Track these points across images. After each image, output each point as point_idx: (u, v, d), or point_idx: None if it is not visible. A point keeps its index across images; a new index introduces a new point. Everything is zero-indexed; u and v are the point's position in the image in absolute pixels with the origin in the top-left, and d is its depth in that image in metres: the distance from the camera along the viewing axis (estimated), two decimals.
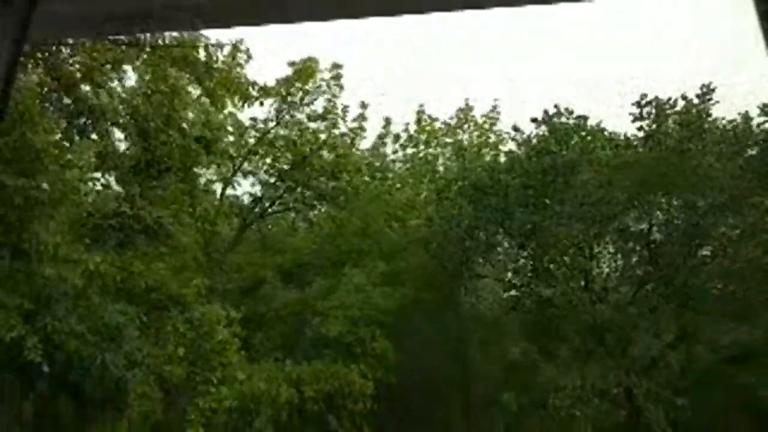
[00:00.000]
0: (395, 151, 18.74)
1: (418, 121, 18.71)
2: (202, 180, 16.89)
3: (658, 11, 15.47)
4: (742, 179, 12.15)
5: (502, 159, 16.06)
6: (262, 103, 14.97)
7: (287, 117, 16.26)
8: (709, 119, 12.93)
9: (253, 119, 16.38)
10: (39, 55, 10.47)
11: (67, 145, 11.70)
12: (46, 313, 9.69)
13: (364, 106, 16.92)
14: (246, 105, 14.39)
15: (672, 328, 13.77)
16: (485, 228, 14.52)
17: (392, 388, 14.01)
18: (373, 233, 16.69)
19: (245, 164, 17.07)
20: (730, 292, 12.67)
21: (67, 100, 12.07)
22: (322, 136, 16.43)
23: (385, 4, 1.47)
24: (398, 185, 17.85)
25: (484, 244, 14.91)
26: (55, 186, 10.36)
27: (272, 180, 17.12)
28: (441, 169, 18.31)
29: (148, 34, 10.65)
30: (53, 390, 10.34)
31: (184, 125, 13.52)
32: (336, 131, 16.65)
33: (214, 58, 12.67)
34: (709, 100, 12.91)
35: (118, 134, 13.38)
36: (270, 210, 18.00)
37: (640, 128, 13.19)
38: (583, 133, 14.05)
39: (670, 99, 13.05)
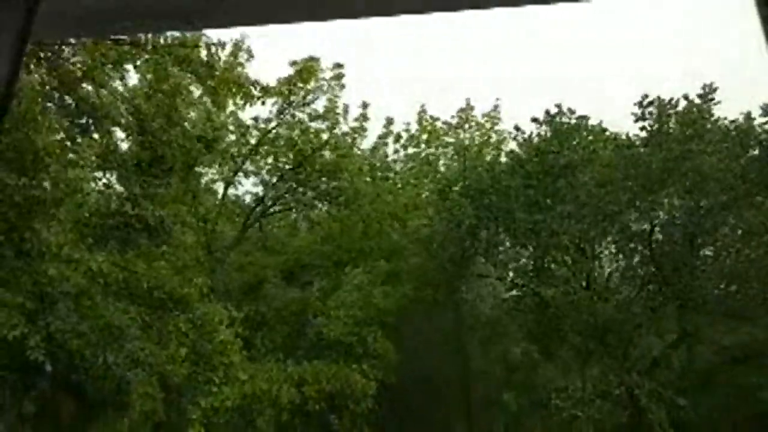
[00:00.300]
0: (396, 151, 18.75)
1: (420, 121, 18.70)
2: (204, 179, 16.92)
3: (659, 11, 15.45)
4: (743, 179, 12.13)
5: (504, 159, 16.06)
6: (263, 103, 14.92)
7: (289, 117, 16.27)
8: (711, 119, 12.91)
9: (255, 119, 16.40)
10: (41, 54, 10.48)
11: (69, 144, 11.71)
12: (48, 313, 9.71)
13: (365, 105, 16.92)
14: (247, 104, 14.38)
15: (674, 329, 13.77)
16: (486, 228, 14.52)
17: (393, 388, 14.02)
18: (375, 233, 16.70)
19: (247, 164, 17.07)
20: (732, 293, 12.65)
21: (68, 100, 12.07)
22: (324, 136, 16.42)
23: (387, 4, 1.47)
24: (399, 185, 17.85)
25: (486, 244, 14.91)
26: (57, 185, 10.37)
27: (274, 180, 17.12)
28: (442, 169, 18.31)
29: (149, 34, 10.66)
30: (55, 389, 10.35)
31: (186, 125, 13.51)
32: (337, 131, 16.64)
33: (216, 58, 12.65)
34: (711, 100, 12.89)
35: (120, 134, 13.39)
36: (271, 210, 18.01)
37: (642, 128, 13.18)
38: (585, 133, 14.04)
39: (672, 99, 13.04)
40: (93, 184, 13.35)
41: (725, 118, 12.89)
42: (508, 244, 15.20)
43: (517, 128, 15.01)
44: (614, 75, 16.83)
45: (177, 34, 11.19)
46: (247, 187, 17.52)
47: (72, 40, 10.41)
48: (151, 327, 11.10)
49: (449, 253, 14.60)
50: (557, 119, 14.15)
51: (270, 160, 17.04)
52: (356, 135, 16.99)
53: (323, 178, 16.39)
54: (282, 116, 16.19)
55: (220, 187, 17.58)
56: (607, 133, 14.05)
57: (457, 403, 15.53)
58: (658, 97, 13.05)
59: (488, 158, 17.26)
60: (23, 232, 9.81)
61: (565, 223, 13.12)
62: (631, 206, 13.31)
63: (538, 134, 14.44)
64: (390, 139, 18.46)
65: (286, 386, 12.72)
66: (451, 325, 16.02)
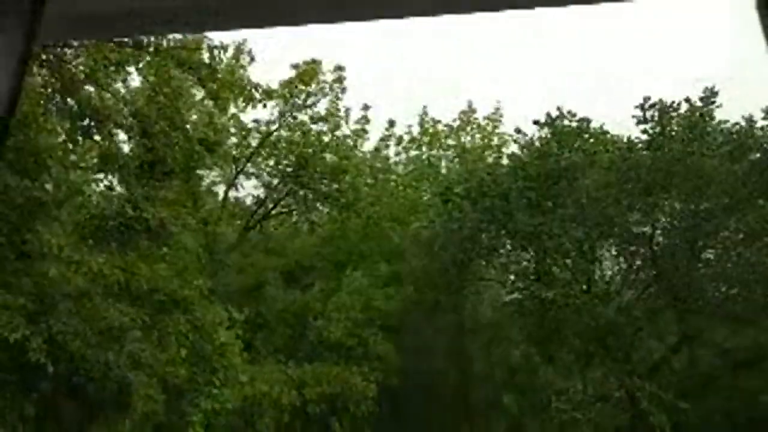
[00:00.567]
0: (398, 153, 18.77)
1: (421, 123, 18.73)
2: (205, 182, 16.92)
3: (661, 14, 15.47)
4: (745, 182, 12.13)
5: (505, 161, 16.06)
6: (265, 105, 14.99)
7: (290, 119, 16.29)
8: (713, 122, 12.91)
9: (256, 121, 16.43)
10: (43, 56, 10.51)
11: (71, 146, 11.74)
12: (49, 314, 9.71)
13: (366, 108, 16.95)
14: (249, 107, 14.41)
15: (675, 332, 13.75)
16: (487, 230, 14.51)
17: (394, 390, 14.00)
18: (375, 235, 16.70)
19: (248, 166, 17.09)
20: (734, 296, 12.63)
21: (70, 102, 12.10)
22: (325, 138, 16.45)
23: (389, 7, 1.47)
24: (401, 187, 17.86)
25: (486, 247, 14.90)
26: (59, 187, 10.40)
27: (275, 182, 17.14)
28: (443, 171, 18.32)
29: (152, 36, 10.69)
30: (56, 391, 10.35)
31: (188, 127, 13.53)
32: (338, 133, 16.67)
33: (218, 60, 12.69)
34: (713, 103, 12.90)
35: (122, 136, 13.41)
36: (272, 212, 18.02)
37: (643, 131, 13.18)
38: (586, 136, 14.04)
39: (673, 102, 13.04)
40: (94, 186, 13.38)
41: (727, 121, 12.90)
42: (509, 246, 15.19)
43: (518, 131, 15.02)
44: (616, 77, 16.83)
45: (179, 36, 11.22)
46: (248, 189, 17.56)
47: (74, 42, 10.43)
48: (151, 329, 11.09)
49: (450, 256, 14.59)
50: (558, 122, 14.15)
51: (271, 162, 17.06)
52: (357, 137, 17.02)
53: (324, 181, 16.40)
54: (283, 118, 16.22)
55: (221, 189, 17.61)
56: (609, 136, 14.04)
57: (458, 406, 15.51)
58: (660, 100, 13.06)
59: (489, 161, 17.27)
60: (24, 233, 9.83)
61: (566, 226, 13.11)
62: (633, 209, 13.31)
63: (540, 137, 14.44)
64: (391, 142, 18.50)
65: (287, 388, 12.72)
66: (451, 328, 16.00)
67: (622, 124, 13.62)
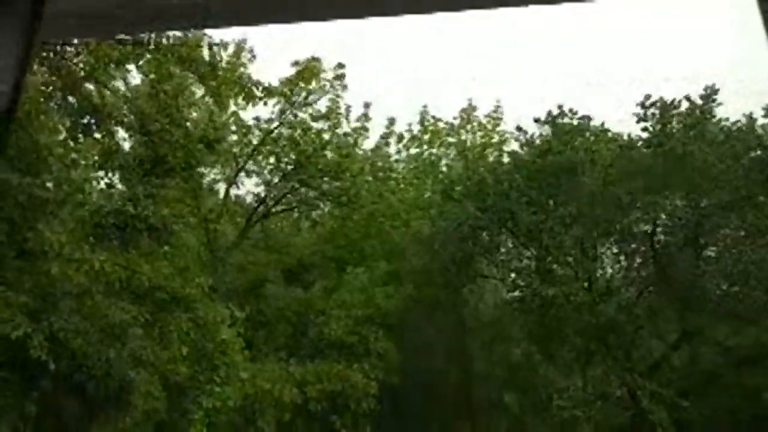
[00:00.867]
0: (398, 151, 18.75)
1: (422, 121, 18.70)
2: (206, 179, 16.92)
3: (662, 12, 15.44)
4: (746, 180, 12.12)
5: (506, 159, 16.05)
6: (265, 103, 14.98)
7: (291, 117, 16.27)
8: (713, 120, 12.90)
9: (257, 119, 16.40)
10: (44, 54, 10.51)
11: (72, 144, 11.74)
12: (51, 312, 9.72)
13: (367, 105, 16.93)
14: (250, 105, 14.40)
15: (675, 330, 13.74)
16: (488, 228, 14.52)
17: (395, 388, 14.02)
18: (376, 233, 16.70)
19: (249, 164, 17.09)
20: (734, 294, 12.63)
21: (71, 99, 12.11)
22: (326, 136, 16.43)
23: (390, 4, 1.47)
24: (401, 185, 17.84)
25: (487, 245, 14.90)
26: (60, 185, 10.40)
27: (276, 180, 17.13)
28: (444, 169, 18.30)
29: (152, 34, 10.68)
30: (58, 388, 10.37)
31: (188, 125, 13.53)
32: (339, 131, 16.65)
33: (218, 58, 12.68)
34: (713, 101, 12.88)
35: (122, 133, 13.42)
36: (273, 210, 18.01)
37: (644, 129, 13.17)
38: (587, 134, 14.03)
39: (674, 100, 13.02)
40: (95, 184, 13.38)
41: (727, 119, 12.88)
42: (509, 244, 15.19)
43: (519, 129, 15.00)
44: (617, 75, 16.81)
45: (179, 34, 11.21)
46: (249, 187, 17.56)
47: (75, 40, 10.43)
48: (152, 326, 11.10)
49: (450, 254, 14.59)
50: (559, 120, 14.14)
51: (272, 160, 17.05)
52: (358, 135, 17.00)
53: (325, 178, 16.39)
54: (284, 116, 16.20)
55: (222, 187, 17.61)
56: (609, 134, 14.02)
57: (459, 403, 15.53)
58: (661, 98, 13.04)
59: (490, 159, 17.26)
60: (26, 231, 9.83)
61: (567, 224, 13.11)
62: (633, 207, 13.30)
63: (540, 135, 14.43)
64: (392, 140, 18.47)
65: (288, 386, 12.73)
66: (452, 326, 16.01)
67: (623, 122, 13.62)
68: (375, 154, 18.15)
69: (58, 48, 10.88)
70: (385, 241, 16.60)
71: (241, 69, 14.02)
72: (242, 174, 17.16)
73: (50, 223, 10.02)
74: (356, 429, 13.36)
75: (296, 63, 15.48)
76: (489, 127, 18.24)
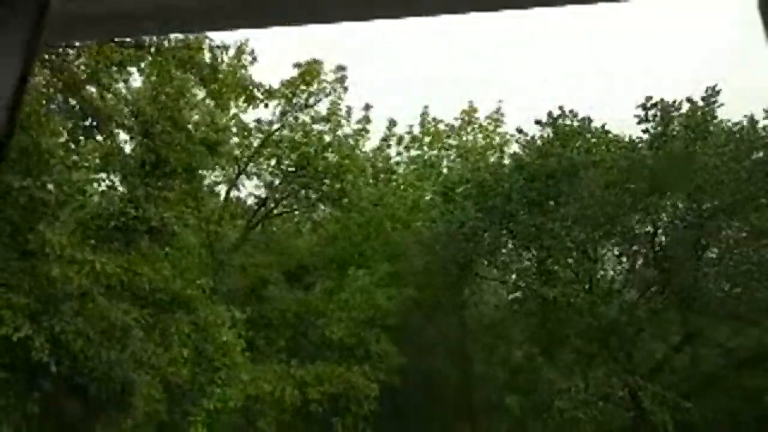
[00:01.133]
0: (399, 153, 18.75)
1: (422, 123, 18.71)
2: (207, 181, 16.94)
3: (663, 13, 15.44)
4: (747, 181, 12.10)
5: (507, 161, 16.05)
6: (266, 105, 15.01)
7: (291, 119, 16.30)
8: (715, 122, 12.89)
9: (258, 121, 16.43)
10: (45, 56, 10.53)
11: (73, 146, 11.76)
12: (52, 314, 9.73)
13: (368, 107, 16.95)
14: (250, 107, 14.43)
15: (677, 331, 13.72)
16: (489, 230, 14.50)
17: (395, 390, 14.00)
18: (377, 235, 16.70)
19: (250, 166, 17.10)
20: (736, 295, 12.61)
21: (72, 102, 12.12)
22: (327, 138, 16.45)
23: (390, 7, 1.47)
24: (402, 187, 17.85)
25: (488, 246, 14.89)
26: (61, 187, 10.41)
27: (276, 182, 17.14)
28: (445, 170, 18.31)
29: (153, 36, 10.70)
30: (59, 390, 10.37)
31: (189, 127, 13.55)
32: (340, 133, 16.67)
33: (219, 60, 12.71)
34: (715, 102, 12.87)
35: (123, 136, 13.44)
36: (274, 211, 18.03)
37: (645, 130, 13.16)
38: (588, 135, 14.03)
39: (675, 101, 13.02)
40: (96, 186, 13.39)
41: (729, 121, 12.88)
42: (510, 246, 15.18)
43: (519, 130, 15.00)
44: (617, 77, 16.83)
45: (180, 36, 11.23)
46: (250, 189, 17.57)
47: (76, 43, 10.45)
48: (153, 328, 11.11)
49: (451, 255, 14.58)
50: (560, 121, 14.14)
51: (273, 162, 17.06)
52: (359, 137, 17.02)
53: (326, 180, 16.40)
54: (285, 118, 16.22)
55: (223, 189, 17.62)
56: (610, 135, 14.02)
57: (460, 405, 15.51)
58: (662, 100, 13.03)
59: (491, 160, 17.26)
60: (27, 233, 9.85)
61: (568, 226, 13.10)
62: (634, 208, 13.28)
63: (541, 136, 14.43)
64: (393, 141, 18.49)
65: (289, 387, 12.73)
66: (453, 327, 15.99)
67: (624, 123, 13.62)
68: (376, 155, 18.18)
69: (60, 50, 10.90)
70: (386, 242, 16.60)
71: (242, 71, 14.05)
72: (243, 176, 17.18)
73: (51, 225, 10.03)
74: (357, 430, 13.35)
75: (297, 65, 15.51)
76: (490, 128, 18.25)
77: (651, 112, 13.08)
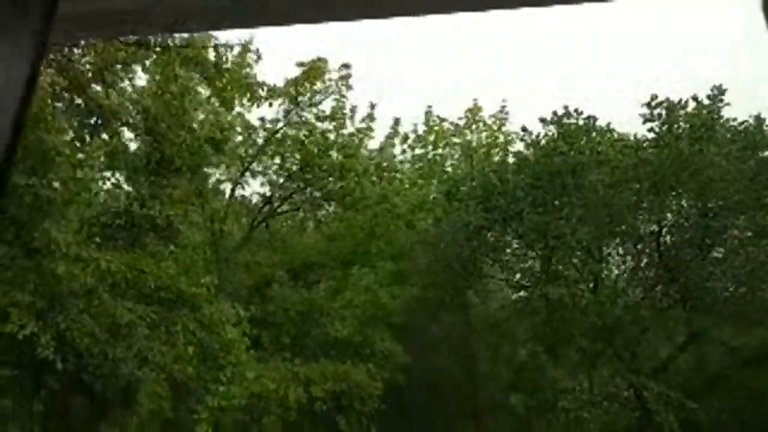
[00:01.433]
0: (403, 152, 18.74)
1: (427, 122, 18.69)
2: (212, 180, 16.97)
3: (669, 12, 15.38)
4: (753, 181, 12.05)
5: (511, 160, 16.00)
6: (270, 104, 15.02)
7: (296, 117, 16.30)
8: (720, 121, 12.83)
9: (262, 119, 16.45)
10: (51, 55, 10.57)
11: (78, 144, 11.80)
12: (58, 312, 9.78)
13: (372, 106, 16.94)
14: (255, 105, 14.44)
15: (682, 331, 13.69)
16: (493, 229, 14.49)
17: (400, 388, 14.02)
18: (381, 234, 16.70)
19: (254, 164, 17.13)
20: (742, 294, 12.56)
21: (78, 100, 12.17)
22: (331, 137, 16.44)
23: (395, 6, 1.47)
24: (406, 186, 17.84)
25: (493, 245, 14.88)
26: (67, 185, 10.46)
27: (281, 180, 17.16)
28: (449, 169, 18.29)
29: (158, 35, 10.73)
30: (65, 387, 10.43)
31: (194, 125, 13.58)
32: (344, 131, 16.67)
33: (224, 59, 12.73)
34: (720, 101, 12.81)
35: (129, 134, 13.49)
36: (279, 210, 18.05)
37: (650, 129, 13.11)
38: (593, 134, 13.98)
39: (680, 100, 12.96)
40: (101, 184, 13.45)
41: (734, 120, 12.81)
42: (515, 245, 15.16)
43: (524, 129, 14.95)
44: (622, 76, 16.77)
45: (185, 35, 11.25)
46: (255, 188, 17.60)
47: (81, 41, 10.49)
48: (158, 326, 11.16)
49: (456, 254, 14.57)
50: (565, 120, 14.10)
51: (277, 160, 17.08)
52: (363, 135, 17.00)
53: (330, 179, 16.41)
54: (289, 117, 16.23)
55: (227, 187, 17.65)
56: (615, 134, 13.97)
57: (464, 404, 15.51)
58: (667, 98, 12.98)
59: (495, 159, 17.22)
60: (32, 231, 9.89)
61: (573, 225, 13.07)
62: (640, 208, 13.25)
63: (546, 135, 14.39)
64: (397, 140, 18.47)
65: (293, 386, 12.75)
66: (457, 326, 16.00)
67: (629, 122, 13.57)
68: (380, 154, 18.16)
69: (65, 49, 10.94)
70: (390, 241, 16.61)
71: (247, 70, 14.05)
72: (248, 174, 17.21)
73: (57, 223, 10.08)
74: (361, 429, 13.37)
75: (301, 63, 15.51)
76: (494, 127, 18.21)
77: (656, 111, 13.03)
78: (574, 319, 13.12)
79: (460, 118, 18.50)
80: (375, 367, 13.61)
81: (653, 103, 13.01)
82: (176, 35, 11.18)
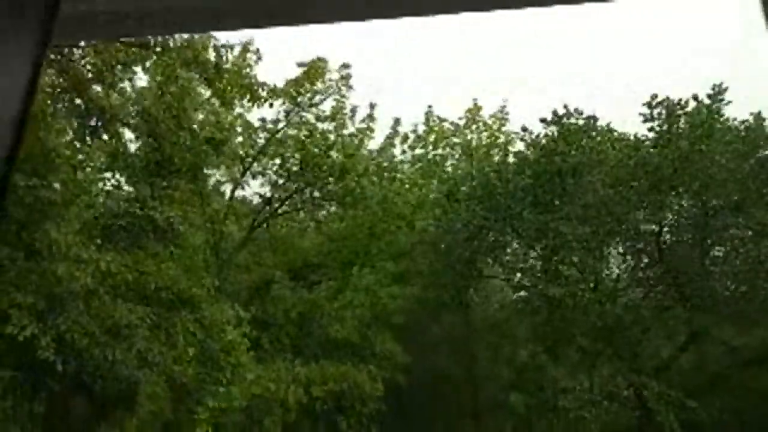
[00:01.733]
0: (404, 152, 18.71)
1: (427, 122, 18.69)
2: (212, 180, 16.96)
3: (669, 12, 15.38)
4: (754, 180, 12.05)
5: (511, 159, 16.00)
6: (271, 104, 15.01)
7: (296, 118, 16.30)
8: (721, 120, 12.83)
9: (263, 120, 16.44)
10: (51, 56, 10.58)
11: (79, 145, 11.81)
12: (58, 313, 9.78)
13: (372, 106, 16.93)
14: (255, 106, 14.44)
15: (683, 330, 13.68)
16: (494, 229, 14.49)
17: (400, 388, 14.01)
18: (382, 234, 16.69)
19: (255, 165, 17.12)
20: (742, 294, 12.56)
21: (78, 101, 12.18)
22: (331, 137, 16.44)
23: (396, 6, 1.47)
24: (407, 186, 17.83)
25: (493, 245, 14.88)
26: (67, 186, 10.47)
27: (281, 181, 17.16)
28: (449, 169, 18.27)
29: (158, 36, 10.73)
30: (65, 388, 10.43)
31: (194, 126, 13.59)
32: (344, 132, 16.66)
33: (224, 59, 12.73)
34: (721, 100, 12.81)
35: (129, 135, 13.49)
36: (279, 210, 18.05)
37: (650, 129, 13.11)
38: (593, 134, 13.97)
39: (680, 99, 12.96)
40: (102, 185, 13.45)
41: (735, 119, 12.81)
42: (515, 245, 15.15)
43: (524, 129, 14.96)
44: (622, 75, 16.76)
45: (185, 36, 11.26)
46: (255, 188, 17.59)
47: (82, 42, 10.49)
48: (159, 327, 11.16)
49: (456, 254, 14.58)
50: (565, 120, 14.09)
51: (277, 161, 17.07)
52: (363, 136, 17.00)
53: (330, 179, 16.40)
54: (289, 117, 16.22)
55: (227, 188, 17.64)
56: (616, 134, 13.97)
57: (464, 404, 15.51)
58: (667, 98, 12.98)
59: (496, 159, 17.21)
60: (33, 232, 9.90)
61: (573, 224, 13.07)
62: (640, 207, 13.25)
63: (546, 135, 14.39)
64: (397, 140, 18.45)
65: (294, 386, 12.75)
66: (458, 326, 15.99)
67: (629, 122, 13.57)
68: (380, 154, 18.15)
69: (66, 50, 10.94)
70: (390, 241, 16.60)
71: (247, 70, 14.05)
72: (248, 175, 17.20)
73: (57, 224, 10.08)
74: (362, 429, 13.36)
75: (302, 64, 15.51)
76: (494, 127, 18.20)
77: (656, 111, 13.03)
78: (575, 319, 13.12)
79: (460, 118, 18.50)
80: (375, 368, 13.61)
81: (653, 103, 13.01)
82: (176, 36, 11.18)
